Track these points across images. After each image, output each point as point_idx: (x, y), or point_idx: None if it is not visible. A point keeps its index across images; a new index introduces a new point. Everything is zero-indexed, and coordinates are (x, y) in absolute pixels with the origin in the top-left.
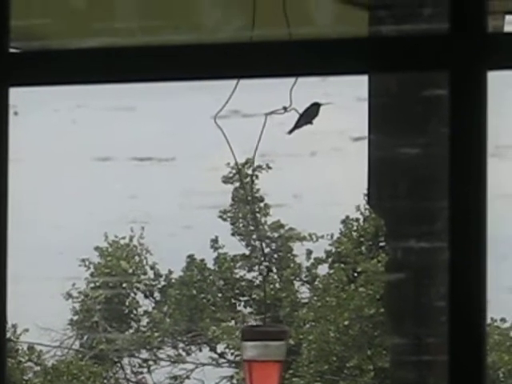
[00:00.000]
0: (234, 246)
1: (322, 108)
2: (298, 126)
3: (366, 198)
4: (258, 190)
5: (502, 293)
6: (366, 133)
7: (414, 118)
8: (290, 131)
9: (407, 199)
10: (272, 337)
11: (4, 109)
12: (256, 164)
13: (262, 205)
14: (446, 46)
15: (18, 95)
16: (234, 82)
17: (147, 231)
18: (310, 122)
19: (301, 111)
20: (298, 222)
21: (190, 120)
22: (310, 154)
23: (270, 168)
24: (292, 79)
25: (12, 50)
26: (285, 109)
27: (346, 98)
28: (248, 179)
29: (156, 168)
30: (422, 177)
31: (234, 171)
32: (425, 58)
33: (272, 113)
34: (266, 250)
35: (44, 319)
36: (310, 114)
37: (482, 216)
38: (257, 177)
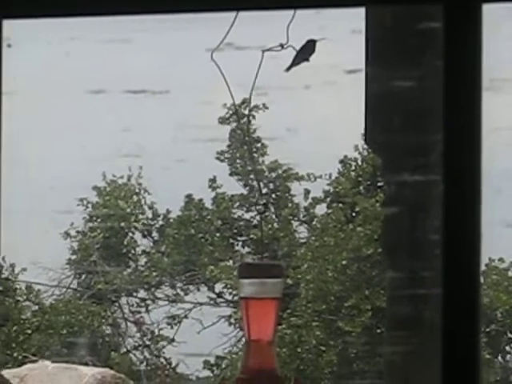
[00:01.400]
0: (232, 186)
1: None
2: (295, 63)
3: (363, 134)
4: (254, 130)
5: (496, 226)
6: (359, 66)
7: (409, 51)
8: (288, 68)
9: (401, 132)
10: (269, 273)
11: None
12: (252, 103)
13: (259, 145)
14: None
15: (11, 27)
16: (229, 15)
17: (143, 166)
18: (307, 59)
19: (296, 47)
20: (294, 159)
21: (184, 53)
22: (304, 87)
23: (266, 108)
24: (288, 15)
25: None
26: (282, 46)
27: (340, 31)
28: (245, 119)
29: (150, 101)
30: (416, 110)
31: (230, 112)
32: None
33: (269, 49)
34: (264, 190)
35: (42, 258)
36: (306, 51)
37: (477, 149)
38: (253, 117)
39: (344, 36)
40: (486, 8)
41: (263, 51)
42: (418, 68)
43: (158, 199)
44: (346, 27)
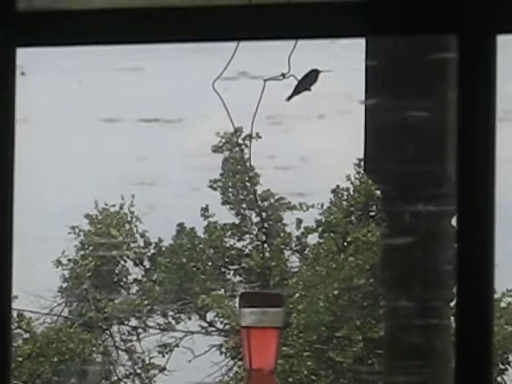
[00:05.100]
0: (225, 215)
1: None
2: (296, 92)
3: (362, 163)
4: (248, 159)
5: (510, 257)
6: (368, 97)
7: (421, 81)
8: (289, 97)
9: (413, 162)
10: (270, 303)
11: (11, 69)
12: (248, 132)
13: (251, 174)
14: (454, 8)
15: (24, 55)
16: (241, 43)
17: (149, 193)
18: (309, 89)
19: (299, 77)
20: (287, 189)
21: (196, 81)
22: (318, 116)
23: (260, 137)
24: (290, 45)
25: (19, 11)
26: (283, 75)
27: (352, 61)
28: (239, 148)
29: (163, 129)
30: (429, 140)
31: (223, 140)
32: (434, 21)
33: (270, 79)
34: (257, 219)
35: (33, 286)
36: (308, 81)
37: (490, 180)
38: (246, 146)
39: (356, 66)
40: (501, 39)
41: (265, 80)
42: (431, 98)
43: (150, 228)
44: (358, 57)
